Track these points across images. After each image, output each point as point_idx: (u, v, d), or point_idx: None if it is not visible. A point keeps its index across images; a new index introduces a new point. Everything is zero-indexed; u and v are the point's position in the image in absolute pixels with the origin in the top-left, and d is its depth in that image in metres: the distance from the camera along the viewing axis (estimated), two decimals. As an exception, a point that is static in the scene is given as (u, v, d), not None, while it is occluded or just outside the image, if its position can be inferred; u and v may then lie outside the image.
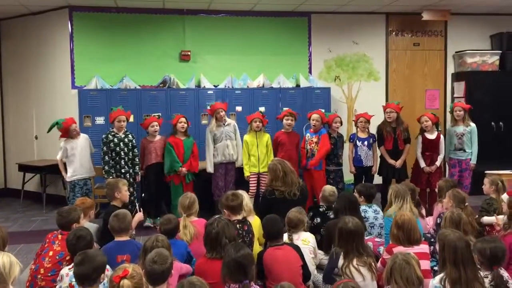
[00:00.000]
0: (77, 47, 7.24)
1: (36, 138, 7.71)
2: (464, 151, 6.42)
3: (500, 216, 4.23)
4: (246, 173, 6.21)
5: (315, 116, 6.29)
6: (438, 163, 6.35)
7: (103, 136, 5.99)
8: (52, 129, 6.04)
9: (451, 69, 8.38)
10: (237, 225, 3.88)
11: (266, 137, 6.30)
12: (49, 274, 3.44)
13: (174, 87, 7.23)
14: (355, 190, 5.03)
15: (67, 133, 5.95)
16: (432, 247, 3.90)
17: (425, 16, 7.66)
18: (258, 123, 6.18)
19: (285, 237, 3.94)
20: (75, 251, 3.21)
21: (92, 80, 7.11)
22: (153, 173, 6.17)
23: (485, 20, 8.34)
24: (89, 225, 4.19)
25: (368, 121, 6.48)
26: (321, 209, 4.77)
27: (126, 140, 5.98)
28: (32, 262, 3.80)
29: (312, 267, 3.86)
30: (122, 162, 5.95)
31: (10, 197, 7.88)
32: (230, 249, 3.00)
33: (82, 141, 6.05)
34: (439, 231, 4.12)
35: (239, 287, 2.85)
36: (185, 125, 6.15)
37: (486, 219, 4.52)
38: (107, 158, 5.91)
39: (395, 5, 7.55)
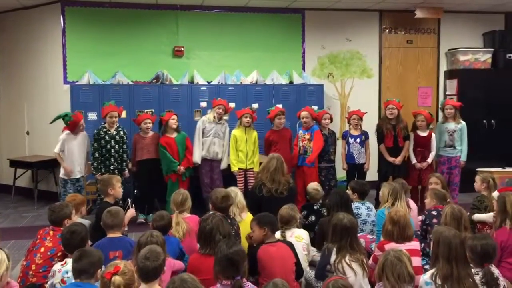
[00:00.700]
0: (69, 42, 7.19)
1: (28, 133, 7.65)
2: (454, 148, 6.45)
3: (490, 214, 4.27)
4: (234, 168, 6.20)
5: (304, 113, 6.30)
6: (430, 160, 6.37)
7: (95, 132, 5.97)
8: (56, 121, 5.98)
9: (443, 67, 8.42)
10: None
11: (255, 134, 6.29)
12: (41, 270, 3.42)
13: (167, 83, 7.20)
14: (348, 187, 5.05)
15: (75, 127, 5.91)
16: (423, 244, 3.93)
17: (418, 14, 7.68)
18: (248, 118, 6.17)
19: (278, 234, 3.95)
20: (69, 246, 3.22)
21: (84, 75, 7.06)
22: (145, 169, 6.14)
23: (478, 18, 8.38)
24: (81, 221, 4.16)
25: (361, 118, 6.49)
26: (315, 207, 4.79)
27: (117, 137, 5.96)
28: (23, 258, 3.77)
29: (305, 264, 3.86)
30: (112, 159, 5.94)
31: (1, 193, 7.80)
32: (222, 245, 2.98)
33: (80, 139, 6.02)
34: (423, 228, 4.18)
35: (231, 284, 2.84)
36: (177, 122, 6.14)
37: (477, 216, 4.53)
38: (97, 154, 5.90)
39: (389, 3, 7.56)
